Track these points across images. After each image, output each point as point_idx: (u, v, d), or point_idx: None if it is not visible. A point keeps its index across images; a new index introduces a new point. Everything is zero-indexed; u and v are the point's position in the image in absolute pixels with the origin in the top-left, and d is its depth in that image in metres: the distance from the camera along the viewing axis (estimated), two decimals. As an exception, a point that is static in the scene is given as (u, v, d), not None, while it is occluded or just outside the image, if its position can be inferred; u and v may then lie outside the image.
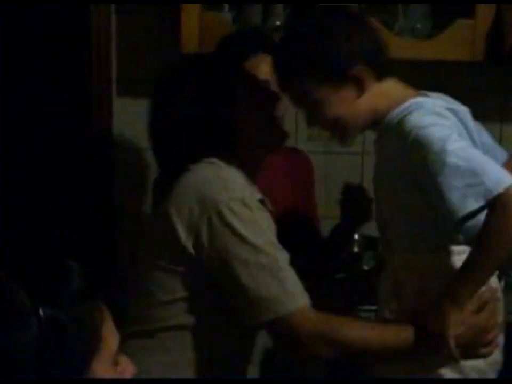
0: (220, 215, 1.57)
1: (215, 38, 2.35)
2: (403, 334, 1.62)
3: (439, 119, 1.58)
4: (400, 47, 2.44)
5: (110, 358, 1.26)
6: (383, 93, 1.63)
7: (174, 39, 2.39)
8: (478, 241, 1.55)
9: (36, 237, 3.02)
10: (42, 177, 3.37)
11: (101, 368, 1.24)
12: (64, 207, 3.12)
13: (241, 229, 1.59)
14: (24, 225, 3.13)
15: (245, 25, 2.40)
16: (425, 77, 2.68)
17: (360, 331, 1.62)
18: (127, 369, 1.31)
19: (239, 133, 1.73)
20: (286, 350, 1.74)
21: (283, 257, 1.62)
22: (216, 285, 1.65)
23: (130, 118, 2.61)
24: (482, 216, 1.54)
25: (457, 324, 1.58)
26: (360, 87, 1.59)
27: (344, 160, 2.86)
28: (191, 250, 1.61)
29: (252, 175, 1.74)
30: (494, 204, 1.49)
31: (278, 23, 2.38)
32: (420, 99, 1.63)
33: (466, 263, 1.56)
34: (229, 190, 1.60)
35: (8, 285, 1.19)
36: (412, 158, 1.55)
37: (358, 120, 1.63)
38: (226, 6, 2.47)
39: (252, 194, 1.66)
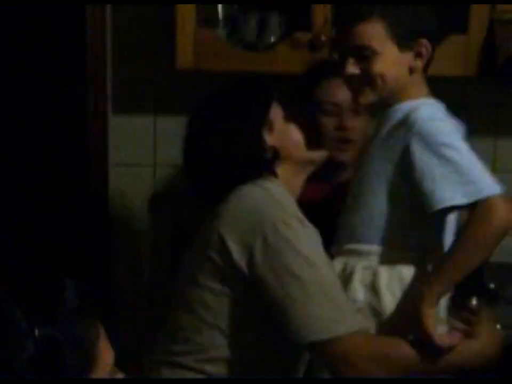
0: (276, 231, 1.58)
1: (210, 54, 2.39)
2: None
3: (447, 118, 1.63)
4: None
5: (107, 375, 1.25)
6: (417, 82, 1.68)
7: (170, 55, 2.39)
8: (456, 241, 1.58)
9: (31, 254, 2.98)
10: (36, 193, 3.37)
11: None
12: (59, 223, 3.12)
13: (297, 244, 1.58)
14: (18, 242, 3.11)
15: (239, 42, 2.42)
16: None
17: (408, 348, 1.59)
18: None
19: (280, 156, 1.75)
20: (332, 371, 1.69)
21: (335, 276, 1.62)
22: (264, 308, 1.63)
23: (126, 135, 2.63)
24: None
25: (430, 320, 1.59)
26: (417, 62, 1.66)
27: None
28: (245, 269, 1.60)
29: (294, 194, 1.76)
30: (482, 206, 1.51)
31: (272, 39, 2.38)
32: (431, 100, 1.70)
33: (441, 261, 1.59)
34: (282, 209, 1.62)
35: (4, 304, 1.19)
36: (413, 147, 1.57)
37: (396, 88, 1.67)
38: (221, 22, 2.47)
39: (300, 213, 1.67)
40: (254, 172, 1.71)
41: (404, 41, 1.63)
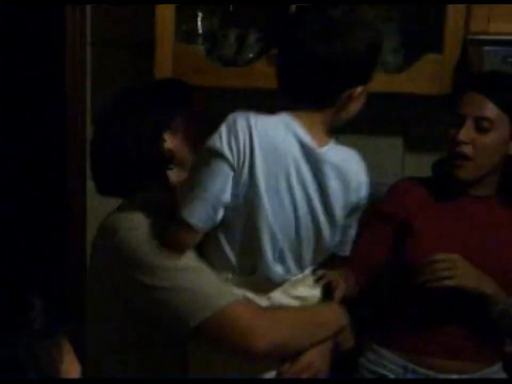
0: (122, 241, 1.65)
1: (188, 70, 2.42)
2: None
3: None
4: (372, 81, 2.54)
5: None
6: None
7: (148, 70, 2.41)
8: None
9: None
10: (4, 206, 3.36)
11: None
12: (26, 236, 3.13)
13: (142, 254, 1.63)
14: None
15: (218, 57, 2.45)
16: (397, 109, 2.85)
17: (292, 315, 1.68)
18: None
19: (173, 160, 1.77)
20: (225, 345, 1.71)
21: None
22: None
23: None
24: None
25: None
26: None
27: None
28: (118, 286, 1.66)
29: None
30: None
31: (251, 55, 2.43)
32: None
33: None
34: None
35: None
36: None
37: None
38: (200, 38, 2.51)
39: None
40: (143, 174, 1.74)
41: None
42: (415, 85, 2.54)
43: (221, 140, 1.58)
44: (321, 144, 1.66)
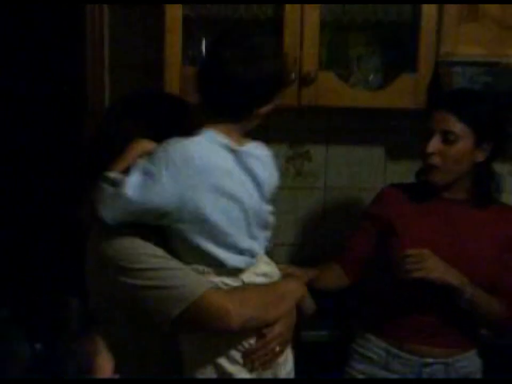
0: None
1: (193, 89, 2.56)
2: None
3: None
4: (356, 97, 2.75)
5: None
6: None
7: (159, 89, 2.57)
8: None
9: (36, 274, 3.10)
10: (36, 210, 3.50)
11: None
12: (62, 240, 3.27)
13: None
14: (24, 263, 3.22)
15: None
16: (379, 122, 3.08)
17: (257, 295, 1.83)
18: None
19: None
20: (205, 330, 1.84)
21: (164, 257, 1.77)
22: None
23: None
24: None
25: None
26: None
27: (308, 193, 3.15)
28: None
29: None
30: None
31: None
32: None
33: None
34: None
35: (6, 323, 1.35)
36: None
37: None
38: None
39: None
40: None
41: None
42: (393, 100, 2.71)
43: (160, 172, 1.71)
44: (241, 145, 1.83)
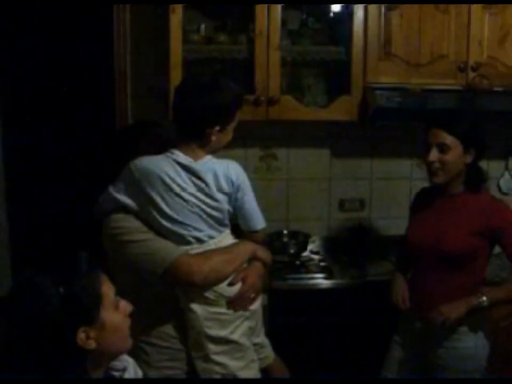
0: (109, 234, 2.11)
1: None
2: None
3: None
4: (308, 113, 3.21)
5: (112, 305, 1.55)
6: None
7: (166, 111, 2.85)
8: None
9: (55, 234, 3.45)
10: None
11: (108, 313, 1.53)
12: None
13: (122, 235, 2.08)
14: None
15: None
16: (325, 131, 3.57)
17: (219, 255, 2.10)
18: (126, 307, 1.61)
19: None
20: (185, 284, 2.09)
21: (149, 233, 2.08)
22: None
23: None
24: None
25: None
26: None
27: (274, 184, 3.58)
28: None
29: None
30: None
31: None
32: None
33: None
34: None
35: (36, 275, 1.46)
36: None
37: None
38: None
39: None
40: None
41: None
42: (335, 115, 3.20)
43: (121, 180, 2.06)
44: (198, 159, 2.07)
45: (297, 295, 3.06)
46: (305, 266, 3.29)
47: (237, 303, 2.16)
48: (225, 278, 2.13)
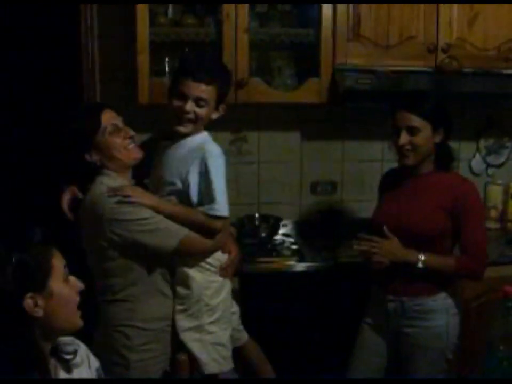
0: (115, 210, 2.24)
1: (159, 94, 2.93)
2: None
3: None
4: (277, 95, 3.24)
5: (61, 277, 1.61)
6: None
7: (135, 94, 3.05)
8: None
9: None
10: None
11: (57, 283, 1.59)
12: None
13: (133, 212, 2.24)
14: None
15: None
16: (295, 113, 3.57)
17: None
18: (76, 283, 1.67)
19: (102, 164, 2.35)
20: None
21: (159, 217, 2.27)
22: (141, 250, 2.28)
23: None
24: None
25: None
26: None
27: (247, 167, 3.62)
28: (119, 240, 2.24)
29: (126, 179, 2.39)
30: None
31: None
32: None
33: None
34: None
35: None
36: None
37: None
38: (167, 74, 3.15)
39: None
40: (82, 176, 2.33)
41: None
42: (304, 97, 3.23)
43: None
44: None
45: (269, 279, 3.10)
46: (277, 250, 3.32)
47: (227, 270, 2.46)
48: (219, 248, 2.43)
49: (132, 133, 2.39)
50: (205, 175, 2.31)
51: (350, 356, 2.76)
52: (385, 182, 2.80)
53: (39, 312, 1.55)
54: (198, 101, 2.31)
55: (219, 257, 2.47)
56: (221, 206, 2.30)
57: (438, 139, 2.54)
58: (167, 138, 2.47)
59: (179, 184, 2.37)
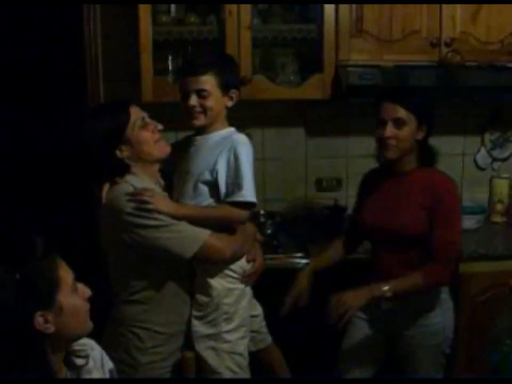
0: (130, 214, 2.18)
1: (162, 92, 3.02)
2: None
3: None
4: (281, 92, 3.26)
5: (69, 288, 1.56)
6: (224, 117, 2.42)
7: (138, 93, 3.09)
8: None
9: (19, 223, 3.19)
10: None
11: (66, 297, 1.54)
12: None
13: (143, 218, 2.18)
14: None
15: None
16: (298, 109, 3.58)
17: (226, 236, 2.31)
18: (85, 291, 1.63)
19: (131, 163, 2.29)
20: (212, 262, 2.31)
21: (177, 222, 2.21)
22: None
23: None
24: None
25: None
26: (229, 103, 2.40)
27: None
28: (137, 242, 2.20)
29: (153, 178, 2.36)
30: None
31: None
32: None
33: None
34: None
35: None
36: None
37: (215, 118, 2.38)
38: (170, 73, 3.20)
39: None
40: (109, 176, 2.26)
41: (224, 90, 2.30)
42: (308, 93, 3.22)
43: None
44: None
45: (275, 275, 3.04)
46: (282, 246, 3.31)
47: (250, 278, 2.42)
48: (244, 254, 2.38)
49: (160, 126, 2.37)
50: (233, 162, 2.29)
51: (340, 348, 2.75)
52: (366, 181, 2.78)
53: (50, 328, 1.53)
54: (200, 93, 2.30)
55: (242, 265, 2.44)
56: (248, 192, 2.27)
57: (420, 136, 2.51)
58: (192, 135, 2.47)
59: (207, 175, 2.33)
